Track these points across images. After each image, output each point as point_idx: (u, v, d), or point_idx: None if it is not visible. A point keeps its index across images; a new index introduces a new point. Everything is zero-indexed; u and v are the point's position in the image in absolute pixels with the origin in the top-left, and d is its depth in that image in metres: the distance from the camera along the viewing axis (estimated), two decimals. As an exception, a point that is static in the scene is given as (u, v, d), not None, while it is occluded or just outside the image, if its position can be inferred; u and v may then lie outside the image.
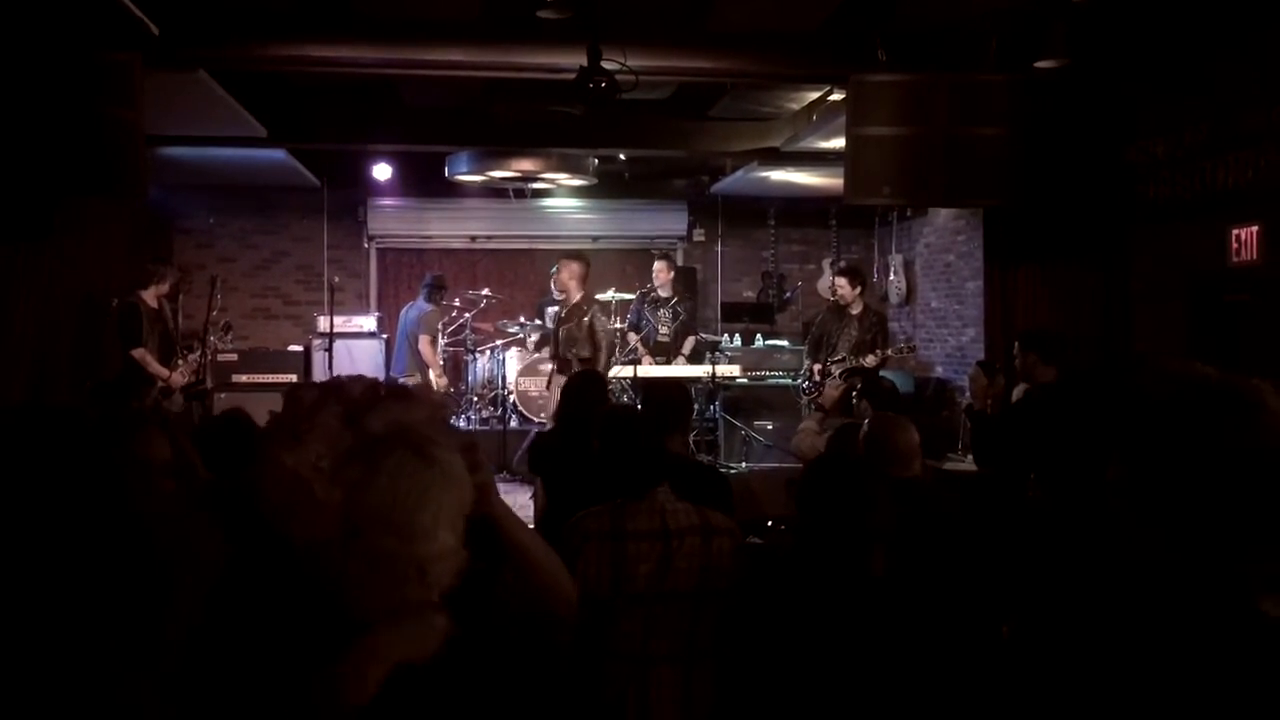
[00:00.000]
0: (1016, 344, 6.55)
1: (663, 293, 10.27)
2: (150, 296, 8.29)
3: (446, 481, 1.44)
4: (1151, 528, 1.47)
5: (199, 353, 8.57)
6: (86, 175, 6.59)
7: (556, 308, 9.52)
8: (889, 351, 8.76)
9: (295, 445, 1.41)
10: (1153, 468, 1.48)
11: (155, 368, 8.09)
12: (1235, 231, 6.48)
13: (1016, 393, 6.76)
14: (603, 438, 3.35)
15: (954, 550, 3.32)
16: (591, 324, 8.61)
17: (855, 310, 8.87)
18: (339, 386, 1.49)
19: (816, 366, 8.98)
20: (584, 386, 4.99)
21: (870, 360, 8.55)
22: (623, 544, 3.19)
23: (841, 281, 8.96)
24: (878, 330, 8.85)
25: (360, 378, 1.57)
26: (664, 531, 3.20)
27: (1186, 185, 6.85)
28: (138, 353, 8.03)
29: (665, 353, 10.16)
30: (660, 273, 10.30)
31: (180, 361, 8.33)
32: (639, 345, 10.07)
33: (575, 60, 6.72)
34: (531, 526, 7.70)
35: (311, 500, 1.38)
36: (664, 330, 10.23)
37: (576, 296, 8.75)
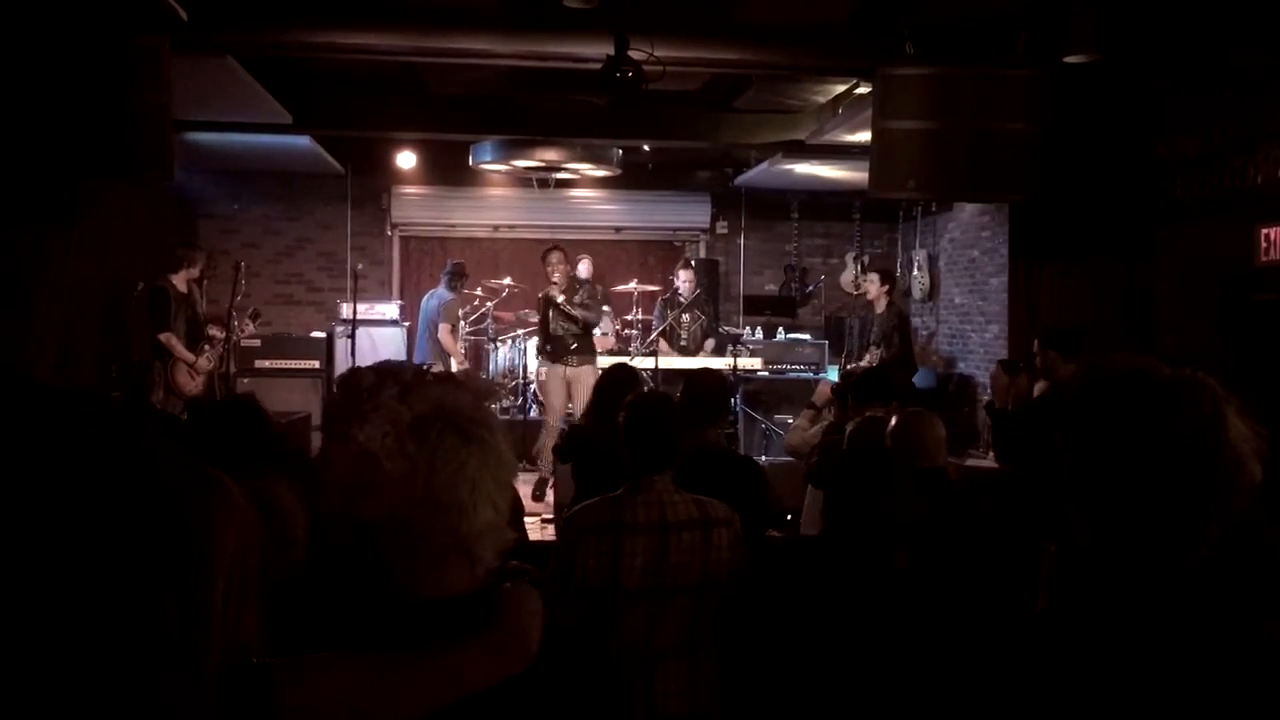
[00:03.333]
0: (1036, 342, 6.52)
1: (685, 299, 10.29)
2: (179, 281, 8.34)
3: (485, 458, 1.45)
4: (1088, 523, 1.48)
5: (223, 337, 8.63)
6: (114, 158, 6.64)
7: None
8: (881, 353, 9.31)
9: (363, 423, 1.43)
10: (1085, 462, 1.48)
11: (181, 352, 8.14)
12: (1264, 230, 6.42)
13: (1038, 389, 6.74)
14: (625, 425, 3.36)
15: (977, 543, 3.31)
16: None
17: (879, 308, 9.61)
18: (394, 370, 1.51)
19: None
20: (617, 379, 5.01)
21: (865, 359, 9.29)
22: (619, 537, 3.18)
23: (873, 278, 9.82)
24: (892, 328, 9.41)
25: (407, 363, 1.60)
26: (661, 524, 3.20)
27: (1215, 183, 6.79)
28: (164, 336, 8.08)
29: (685, 353, 10.20)
30: (689, 280, 10.33)
31: (206, 346, 8.38)
32: (660, 338, 10.09)
33: (601, 50, 6.72)
34: (550, 515, 7.69)
35: (380, 475, 1.40)
36: (685, 336, 10.26)
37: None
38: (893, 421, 4.09)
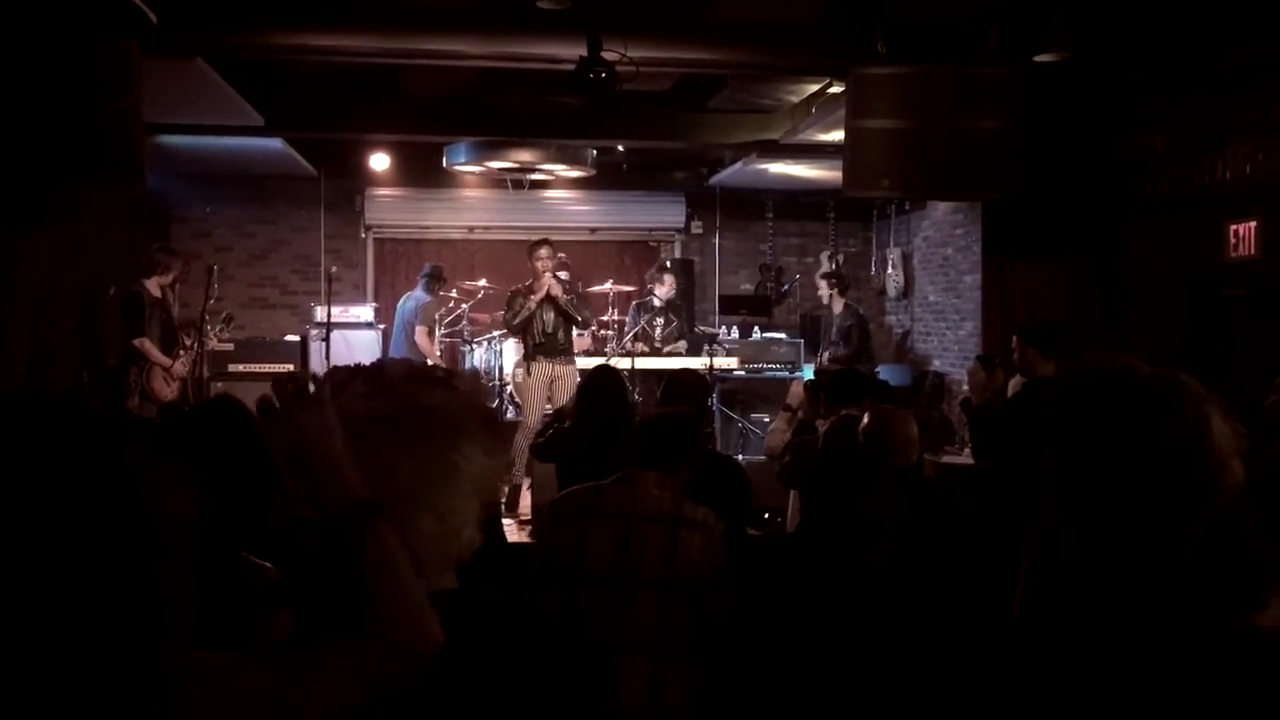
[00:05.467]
0: (1015, 338, 6.55)
1: (660, 303, 10.27)
2: (153, 285, 8.27)
3: (425, 466, 1.43)
4: (1072, 523, 1.48)
5: (195, 342, 8.57)
6: (85, 162, 6.58)
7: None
8: (839, 351, 10.12)
9: (306, 420, 1.41)
10: (1069, 463, 1.49)
11: (157, 356, 8.07)
12: (1233, 226, 6.50)
13: (1013, 386, 6.77)
14: (640, 423, 3.40)
15: (952, 539, 3.34)
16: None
17: (836, 309, 10.49)
18: (375, 369, 1.49)
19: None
20: (602, 381, 5.02)
21: (822, 358, 10.09)
22: (586, 520, 3.30)
23: (822, 283, 10.80)
24: (849, 327, 10.20)
25: (404, 360, 1.57)
26: (627, 514, 3.28)
27: (1185, 179, 6.86)
28: (139, 341, 8.02)
29: (658, 355, 10.19)
30: (670, 286, 10.32)
31: (181, 350, 8.32)
32: (635, 341, 10.09)
33: (575, 51, 6.71)
34: (528, 517, 7.64)
35: (308, 473, 1.39)
36: (658, 337, 10.25)
37: None
38: (865, 420, 4.12)
